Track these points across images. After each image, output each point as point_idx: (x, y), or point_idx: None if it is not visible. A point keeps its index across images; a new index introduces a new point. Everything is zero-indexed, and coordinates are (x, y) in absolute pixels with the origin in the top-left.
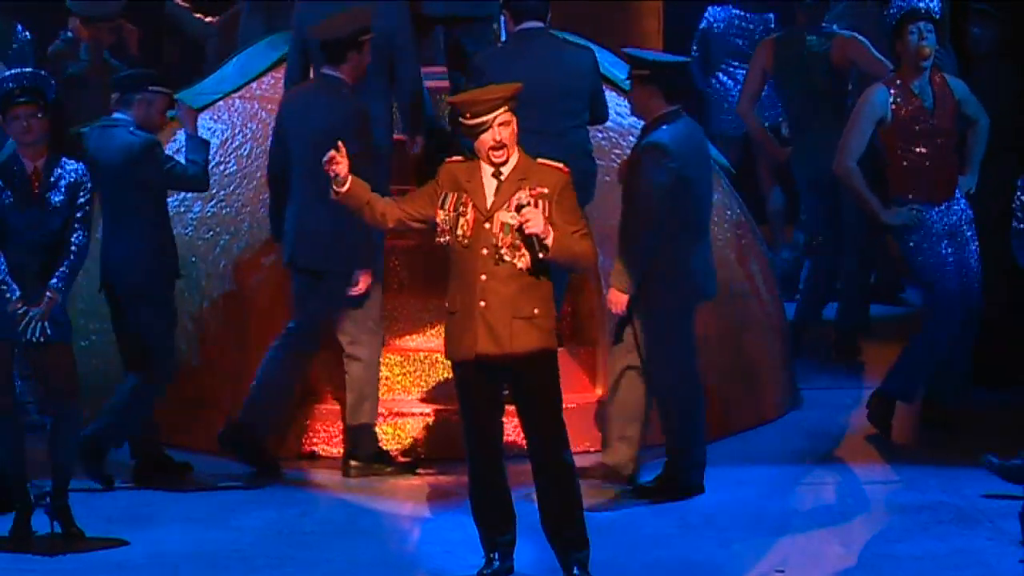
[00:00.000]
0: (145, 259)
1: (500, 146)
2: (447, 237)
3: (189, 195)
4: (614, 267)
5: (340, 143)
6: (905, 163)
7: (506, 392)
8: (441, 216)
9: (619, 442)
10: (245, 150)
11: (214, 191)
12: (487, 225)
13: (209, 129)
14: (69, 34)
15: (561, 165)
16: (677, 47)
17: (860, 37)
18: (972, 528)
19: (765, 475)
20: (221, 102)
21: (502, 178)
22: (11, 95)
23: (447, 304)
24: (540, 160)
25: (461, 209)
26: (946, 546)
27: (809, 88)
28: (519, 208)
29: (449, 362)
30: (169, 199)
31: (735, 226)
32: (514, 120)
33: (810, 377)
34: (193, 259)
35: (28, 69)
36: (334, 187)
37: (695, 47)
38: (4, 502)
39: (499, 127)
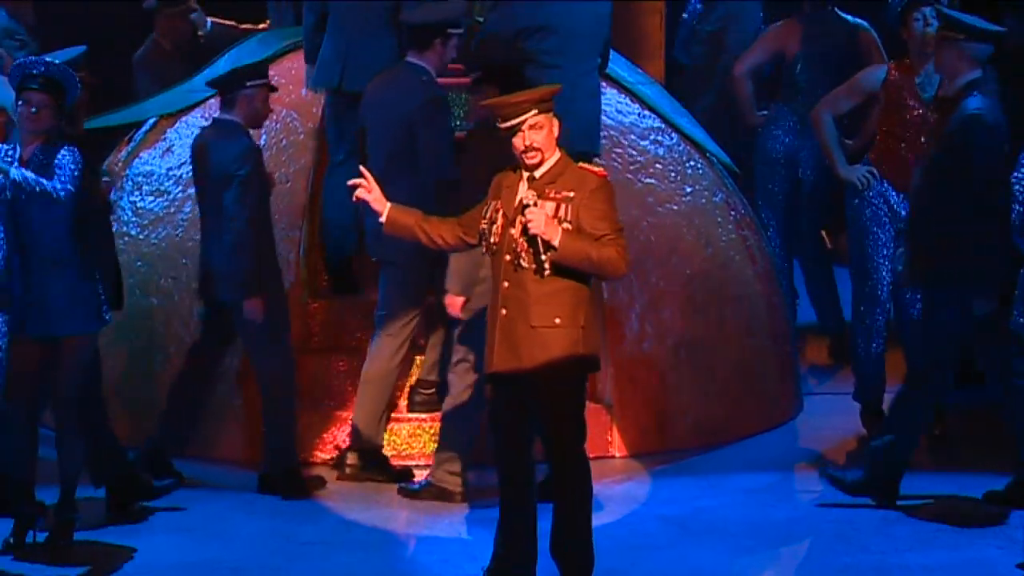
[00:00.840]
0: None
1: (531, 149)
2: (486, 244)
3: (179, 195)
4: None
5: (363, 168)
6: (887, 144)
7: None
8: (483, 226)
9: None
10: None
11: None
12: (511, 230)
13: (200, 127)
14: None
15: (599, 169)
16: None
17: (874, 32)
18: (982, 537)
19: (769, 482)
20: (212, 100)
21: (533, 183)
22: (29, 77)
23: (486, 314)
24: (580, 164)
25: (494, 216)
26: (957, 556)
27: (833, 72)
28: (524, 208)
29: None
30: (159, 199)
31: (739, 226)
32: (550, 123)
33: (813, 381)
34: (184, 261)
35: (61, 61)
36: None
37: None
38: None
39: (529, 130)
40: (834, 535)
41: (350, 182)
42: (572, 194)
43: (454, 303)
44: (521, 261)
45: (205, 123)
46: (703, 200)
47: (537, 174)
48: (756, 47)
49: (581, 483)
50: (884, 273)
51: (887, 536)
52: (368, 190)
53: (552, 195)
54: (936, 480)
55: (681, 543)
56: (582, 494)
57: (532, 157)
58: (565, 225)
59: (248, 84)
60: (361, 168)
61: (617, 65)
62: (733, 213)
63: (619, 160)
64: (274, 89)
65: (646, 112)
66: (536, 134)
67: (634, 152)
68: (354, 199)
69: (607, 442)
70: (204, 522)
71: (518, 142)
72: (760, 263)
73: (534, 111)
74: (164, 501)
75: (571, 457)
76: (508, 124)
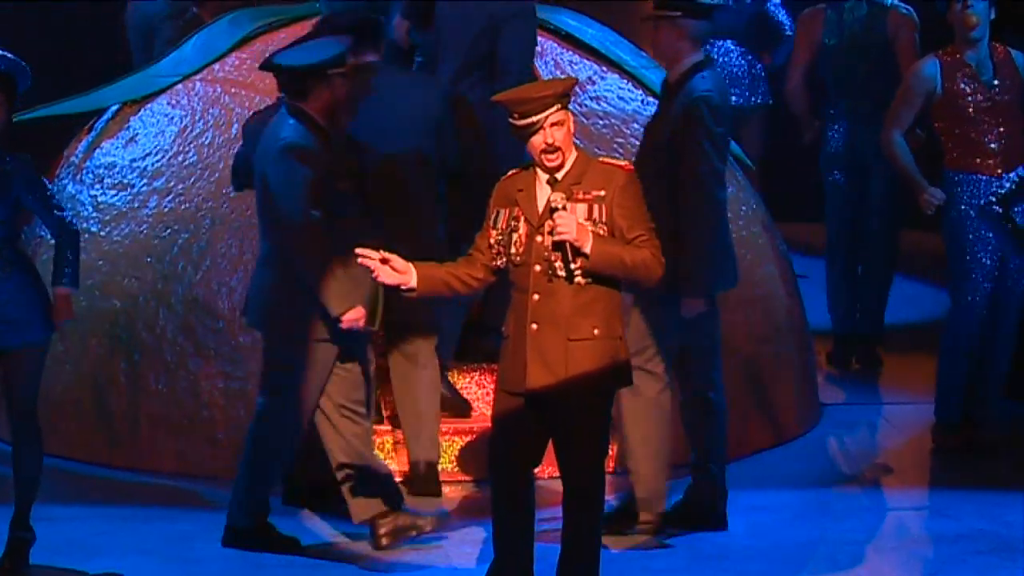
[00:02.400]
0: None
1: (553, 149)
2: (502, 259)
3: (143, 189)
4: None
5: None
6: (957, 138)
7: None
8: (494, 236)
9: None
10: (206, 139)
11: (171, 184)
12: (539, 238)
13: (167, 115)
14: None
15: (624, 163)
16: None
17: (915, 17)
18: (1014, 559)
19: (785, 500)
20: (180, 86)
21: (557, 185)
22: None
23: (503, 328)
24: (601, 159)
25: (513, 224)
26: None
27: (858, 64)
28: (552, 212)
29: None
30: (122, 193)
31: (751, 223)
32: (569, 118)
33: (832, 391)
34: (148, 259)
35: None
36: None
37: None
38: None
39: (551, 128)
40: (851, 560)
41: (361, 261)
42: (603, 193)
43: (358, 317)
44: (557, 270)
45: (171, 110)
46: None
47: (559, 176)
48: (798, 51)
49: (598, 505)
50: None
51: (910, 559)
52: (385, 261)
53: (581, 196)
54: (970, 498)
55: (689, 569)
56: (596, 517)
57: (554, 159)
58: (600, 227)
59: (330, 72)
60: (360, 251)
61: (620, 48)
62: (744, 208)
63: (621, 151)
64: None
65: (651, 99)
66: (558, 131)
67: (637, 142)
68: (377, 279)
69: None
70: (164, 545)
71: (538, 141)
72: (775, 262)
73: (556, 106)
74: (122, 521)
75: (593, 477)
76: (527, 122)
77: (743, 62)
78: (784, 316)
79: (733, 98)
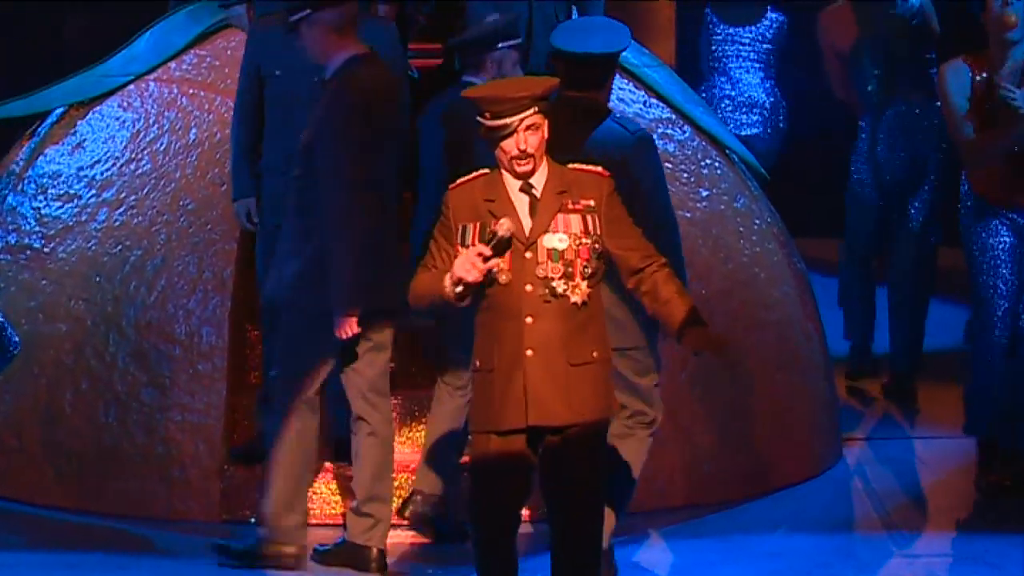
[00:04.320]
0: None
1: (525, 155)
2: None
3: (92, 200)
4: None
5: None
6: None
7: None
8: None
9: None
10: (161, 144)
11: (123, 196)
12: (528, 255)
13: (117, 119)
14: None
15: (600, 169)
16: (692, 40)
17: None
18: None
19: (803, 546)
20: (132, 86)
21: (535, 192)
22: None
23: (477, 362)
24: (573, 166)
25: (484, 237)
26: None
27: (889, 59)
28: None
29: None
30: (68, 205)
31: (764, 239)
32: (545, 124)
33: (855, 423)
34: (97, 279)
35: None
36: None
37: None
38: None
39: (526, 132)
40: None
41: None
42: (592, 203)
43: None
44: (556, 289)
45: (123, 112)
46: (722, 206)
47: (536, 184)
48: (828, 56)
49: (598, 544)
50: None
51: None
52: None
53: (571, 206)
54: (1016, 544)
55: None
56: (595, 558)
57: (525, 164)
58: (592, 240)
59: (500, 45)
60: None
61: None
62: (758, 222)
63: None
64: (525, 50)
65: (653, 100)
66: (533, 136)
67: None
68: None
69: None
70: None
71: (509, 145)
72: (792, 282)
73: (533, 109)
74: (68, 570)
75: (593, 512)
76: (499, 123)
77: (763, 87)
78: (802, 341)
79: (754, 129)
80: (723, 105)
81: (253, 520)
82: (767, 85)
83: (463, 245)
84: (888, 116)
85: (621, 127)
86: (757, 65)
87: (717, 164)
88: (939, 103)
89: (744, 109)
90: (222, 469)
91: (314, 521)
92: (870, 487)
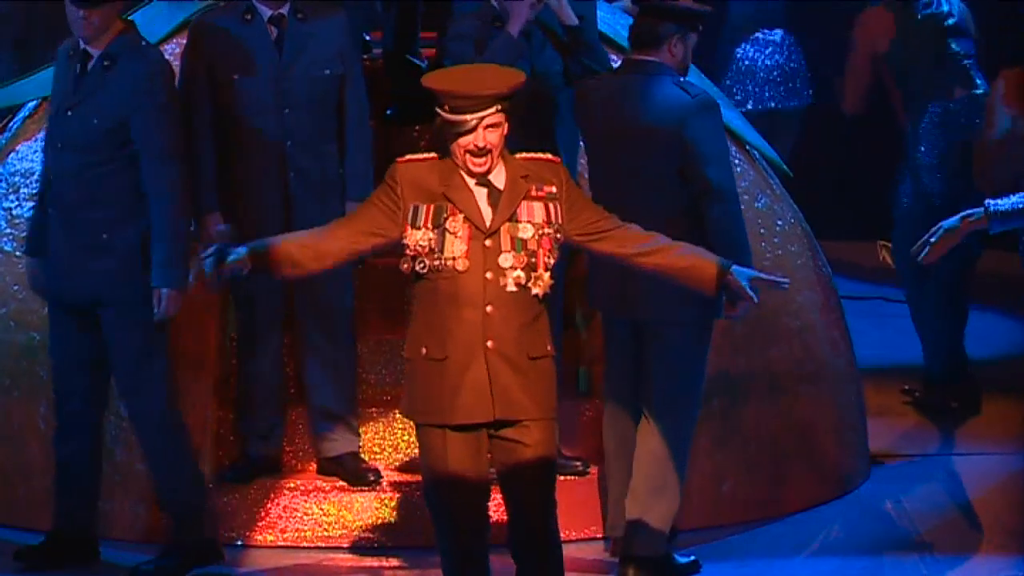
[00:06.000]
0: None
1: (482, 152)
2: (427, 262)
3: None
4: None
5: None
6: None
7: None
8: (416, 236)
9: None
10: None
11: None
12: (488, 243)
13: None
14: None
15: (547, 155)
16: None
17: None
18: None
19: (829, 570)
20: None
21: (496, 184)
22: None
23: (423, 349)
24: (524, 155)
25: (450, 225)
26: None
27: (923, 62)
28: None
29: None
30: None
31: (788, 240)
32: (505, 123)
33: (884, 439)
34: None
35: None
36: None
37: None
38: None
39: (485, 130)
40: None
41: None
42: (553, 189)
43: None
44: (520, 280)
45: None
46: (742, 206)
47: (495, 178)
48: (859, 55)
49: (556, 545)
50: None
51: None
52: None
53: (535, 193)
54: None
55: None
56: (557, 554)
57: (481, 163)
58: (553, 229)
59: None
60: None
61: (626, 30)
62: (781, 223)
63: None
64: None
65: None
66: (492, 135)
67: None
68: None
69: None
70: None
71: (466, 141)
72: (817, 288)
73: (496, 107)
74: None
75: (552, 517)
76: (458, 118)
77: (780, 58)
78: (827, 350)
79: (770, 103)
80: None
81: (240, 542)
82: (787, 55)
83: (414, 226)
84: (928, 115)
85: (682, 90)
86: (781, 30)
87: (737, 161)
88: (981, 101)
89: (765, 78)
90: (207, 488)
91: (305, 544)
92: (901, 508)
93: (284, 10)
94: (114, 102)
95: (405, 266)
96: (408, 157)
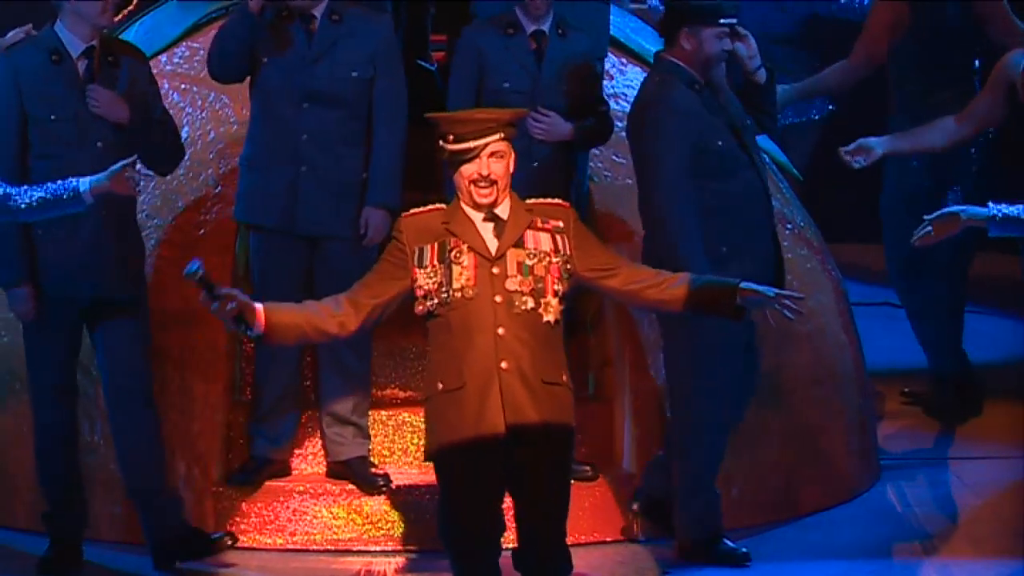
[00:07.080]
0: None
1: (488, 182)
2: (436, 298)
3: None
4: None
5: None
6: None
7: None
8: (423, 275)
9: None
10: None
11: None
12: (495, 270)
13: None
14: None
15: (560, 200)
16: None
17: None
18: None
19: (837, 573)
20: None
21: (501, 216)
22: None
23: (440, 384)
24: (534, 200)
25: (455, 256)
26: None
27: (925, 62)
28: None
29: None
30: None
31: (797, 244)
32: (511, 154)
33: (893, 443)
34: None
35: None
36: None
37: None
38: None
39: (489, 158)
40: None
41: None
42: (561, 224)
43: None
44: (527, 303)
45: None
46: None
47: (501, 212)
48: (865, 41)
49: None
50: None
51: None
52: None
53: (540, 225)
54: None
55: None
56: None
57: (487, 192)
58: (560, 260)
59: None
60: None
61: (639, 34)
62: (790, 226)
63: None
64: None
65: None
66: (497, 164)
67: None
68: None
69: (627, 522)
70: None
71: (470, 170)
72: (827, 292)
73: (499, 135)
74: None
75: (563, 544)
76: (462, 146)
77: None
78: (837, 354)
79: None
80: None
81: (249, 545)
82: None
83: (420, 267)
84: (922, 119)
85: (644, 87)
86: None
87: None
88: None
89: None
90: (216, 491)
91: (314, 547)
92: (910, 511)
93: (316, 11)
94: None
95: (419, 308)
96: (412, 211)
